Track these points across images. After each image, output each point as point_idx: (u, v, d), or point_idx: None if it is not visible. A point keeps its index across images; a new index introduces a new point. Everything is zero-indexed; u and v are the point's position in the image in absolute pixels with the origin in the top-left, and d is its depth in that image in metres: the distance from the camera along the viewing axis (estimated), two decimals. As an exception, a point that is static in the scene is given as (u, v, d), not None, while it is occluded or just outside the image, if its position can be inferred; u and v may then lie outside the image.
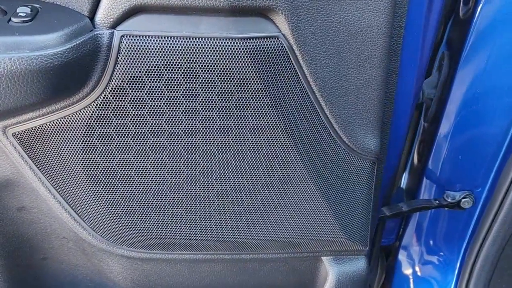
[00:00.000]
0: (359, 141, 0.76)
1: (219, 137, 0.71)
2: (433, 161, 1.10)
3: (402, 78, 0.82)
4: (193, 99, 0.67)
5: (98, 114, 0.66)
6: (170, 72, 0.65)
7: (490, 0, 0.92)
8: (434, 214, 1.16)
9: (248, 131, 0.71)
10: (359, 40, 0.69)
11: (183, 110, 0.68)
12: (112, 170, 0.72)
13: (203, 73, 0.66)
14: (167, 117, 0.68)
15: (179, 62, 0.64)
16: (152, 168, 0.72)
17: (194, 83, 0.66)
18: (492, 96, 0.96)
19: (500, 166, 0.96)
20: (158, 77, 0.65)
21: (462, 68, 0.99)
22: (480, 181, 1.00)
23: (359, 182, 0.79)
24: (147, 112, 0.67)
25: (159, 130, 0.69)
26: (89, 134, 0.68)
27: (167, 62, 0.64)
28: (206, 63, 0.65)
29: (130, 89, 0.65)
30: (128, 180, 0.73)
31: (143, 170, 0.72)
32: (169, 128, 0.69)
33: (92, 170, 0.71)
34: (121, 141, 0.69)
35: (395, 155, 0.96)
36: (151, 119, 0.68)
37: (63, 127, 0.67)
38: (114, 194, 0.74)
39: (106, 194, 0.74)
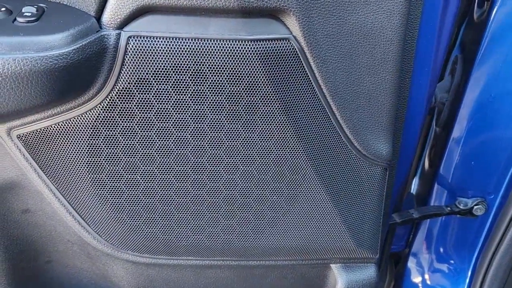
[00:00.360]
0: (370, 147, 0.74)
1: (227, 141, 0.69)
2: (445, 166, 1.08)
3: (416, 81, 0.80)
4: (201, 102, 0.66)
5: (104, 116, 0.65)
6: (178, 74, 0.63)
7: (506, 2, 0.90)
8: (445, 220, 1.13)
9: (257, 135, 0.69)
10: (372, 43, 0.67)
11: (190, 113, 0.66)
12: (118, 174, 0.70)
13: (212, 75, 0.64)
14: (174, 120, 0.67)
15: (187, 64, 0.63)
16: (158, 172, 0.71)
17: (203, 85, 0.65)
18: (507, 100, 0.93)
19: (514, 173, 0.93)
20: (166, 79, 0.63)
21: (476, 71, 0.97)
22: (493, 188, 0.98)
23: (370, 188, 0.77)
24: (154, 115, 0.66)
25: (166, 134, 0.68)
26: (95, 137, 0.67)
27: (175, 64, 0.63)
28: (215, 65, 0.63)
29: (137, 91, 0.64)
30: (134, 184, 0.71)
31: (149, 174, 0.71)
32: (176, 132, 0.68)
33: (98, 174, 0.70)
34: (127, 144, 0.68)
35: (407, 161, 0.93)
36: (158, 122, 0.67)
37: (68, 130, 0.66)
38: (120, 198, 0.73)
39: (111, 198, 0.73)
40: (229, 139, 0.69)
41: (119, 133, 0.67)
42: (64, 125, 0.65)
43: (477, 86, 0.98)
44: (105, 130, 0.66)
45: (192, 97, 0.65)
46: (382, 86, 0.70)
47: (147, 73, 0.63)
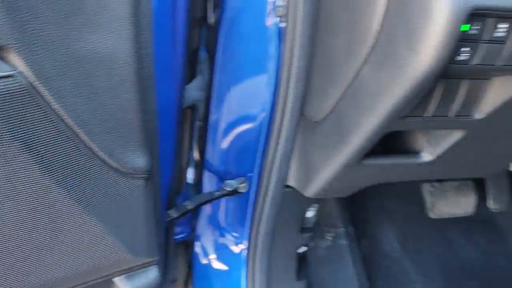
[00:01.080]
0: (128, 163, 0.77)
1: (-35, 193, 0.63)
2: (210, 155, 1.21)
3: (161, 93, 0.86)
4: None
5: None
6: None
7: (230, 8, 1.03)
8: (221, 201, 1.27)
9: (1, 180, 0.65)
10: (108, 67, 0.69)
11: None
12: None
13: None
14: None
15: None
16: None
17: None
18: (243, 89, 1.09)
19: (263, 153, 1.11)
20: None
21: (218, 69, 1.10)
22: (250, 167, 1.14)
23: (135, 200, 0.81)
24: None
25: None
26: None
27: None
28: None
29: None
30: None
31: None
32: None
33: None
34: None
35: (169, 163, 1.01)
36: None
37: None
38: None
39: None
40: (-34, 189, 0.63)
41: None
42: None
43: (221, 81, 1.11)
44: None
45: None
46: (126, 106, 0.73)
47: None
